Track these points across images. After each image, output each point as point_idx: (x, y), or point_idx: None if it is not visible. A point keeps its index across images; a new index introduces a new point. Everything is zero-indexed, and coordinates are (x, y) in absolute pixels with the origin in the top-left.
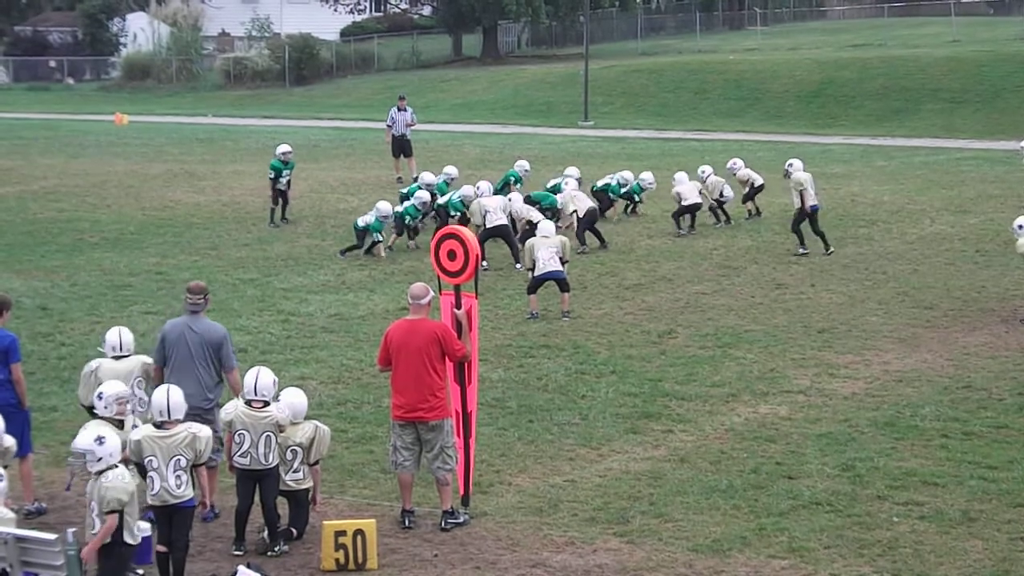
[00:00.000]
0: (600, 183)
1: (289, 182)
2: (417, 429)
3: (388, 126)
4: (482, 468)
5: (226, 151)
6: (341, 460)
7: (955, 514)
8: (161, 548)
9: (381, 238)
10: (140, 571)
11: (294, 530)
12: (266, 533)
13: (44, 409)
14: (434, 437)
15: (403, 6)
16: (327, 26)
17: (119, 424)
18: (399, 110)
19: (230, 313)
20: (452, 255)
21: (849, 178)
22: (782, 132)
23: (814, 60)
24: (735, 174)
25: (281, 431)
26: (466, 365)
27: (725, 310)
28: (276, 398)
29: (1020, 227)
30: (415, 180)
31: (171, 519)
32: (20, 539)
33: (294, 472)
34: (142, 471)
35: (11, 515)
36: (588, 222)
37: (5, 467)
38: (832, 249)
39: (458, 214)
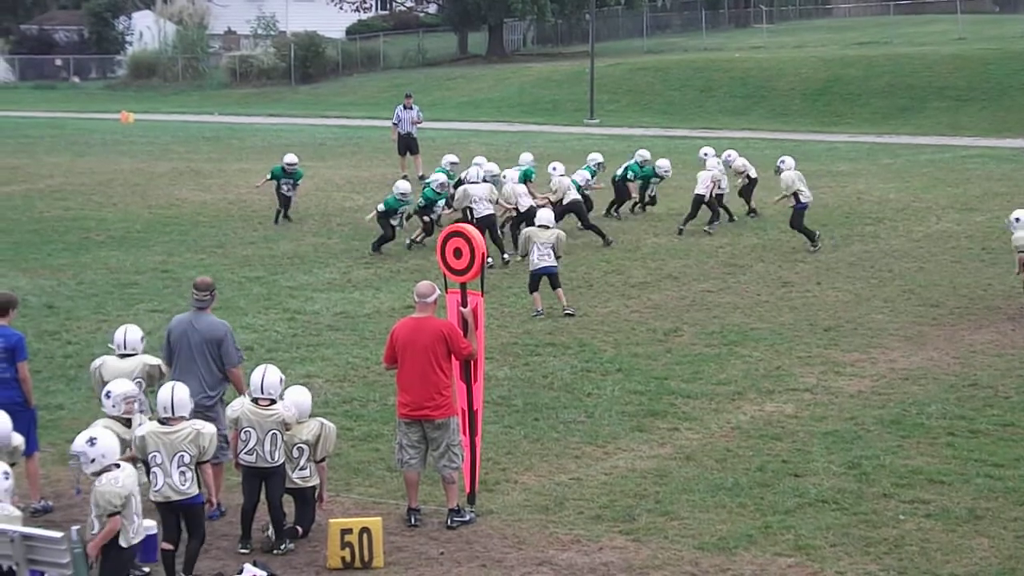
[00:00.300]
0: (619, 171)
1: (294, 187)
2: (423, 427)
3: (394, 124)
4: (488, 466)
5: (232, 149)
6: (347, 458)
7: (961, 512)
8: (167, 546)
9: (396, 223)
10: (146, 569)
11: (300, 528)
12: (272, 531)
13: (50, 407)
14: (440, 435)
15: (409, 4)
16: (333, 24)
17: (127, 423)
18: (405, 108)
19: (236, 311)
20: (458, 253)
21: (855, 176)
22: (788, 130)
23: (820, 58)
24: (731, 165)
25: (287, 429)
26: (472, 363)
27: (731, 308)
28: (281, 396)
29: (1018, 220)
30: (421, 178)
31: (180, 518)
32: (26, 537)
33: (300, 470)
34: (147, 468)
35: (17, 513)
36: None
37: (12, 465)
38: (819, 238)
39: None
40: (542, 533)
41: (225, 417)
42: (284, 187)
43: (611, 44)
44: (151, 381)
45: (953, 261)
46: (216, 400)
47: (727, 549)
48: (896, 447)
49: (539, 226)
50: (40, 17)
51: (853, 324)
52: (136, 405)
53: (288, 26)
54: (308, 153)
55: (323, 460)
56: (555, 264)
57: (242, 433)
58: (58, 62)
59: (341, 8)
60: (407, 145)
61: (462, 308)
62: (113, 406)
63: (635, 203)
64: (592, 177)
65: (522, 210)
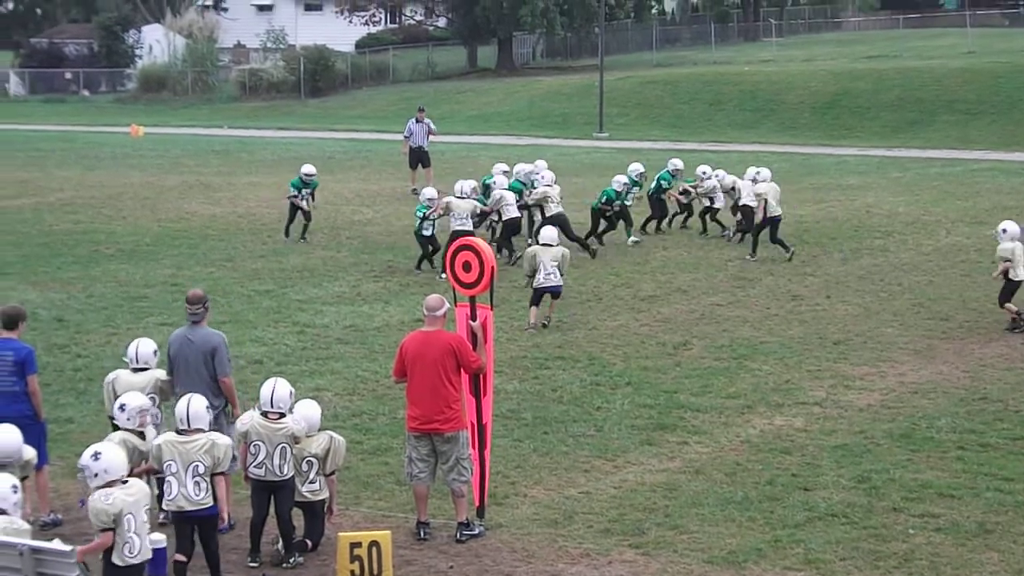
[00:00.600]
0: (652, 184)
1: (311, 198)
2: (432, 441)
3: (405, 137)
4: (497, 480)
5: (241, 163)
6: (356, 472)
7: (971, 526)
8: (180, 558)
9: (429, 232)
10: None
11: (309, 541)
12: (281, 544)
13: (60, 421)
14: (449, 449)
15: (418, 18)
16: (342, 38)
17: (141, 435)
18: (417, 121)
19: (246, 324)
20: (467, 267)
21: (864, 189)
22: (797, 143)
23: (829, 71)
24: (721, 181)
25: (296, 442)
26: (481, 377)
27: (740, 322)
28: (291, 410)
29: (1004, 231)
30: (414, 191)
31: (193, 530)
32: (36, 550)
33: (310, 483)
34: (159, 479)
35: (27, 526)
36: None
37: (24, 478)
38: (793, 249)
39: (517, 195)
40: (551, 547)
41: (229, 429)
42: (304, 196)
43: (620, 57)
44: (164, 396)
45: (963, 275)
46: (219, 412)
47: (737, 563)
48: (906, 461)
49: (543, 244)
50: (50, 31)
51: (863, 338)
52: (149, 418)
53: (297, 40)
54: (317, 166)
55: (332, 473)
56: (560, 283)
57: (251, 447)
58: (68, 75)
59: (351, 22)
60: (419, 158)
61: (471, 322)
62: (128, 419)
63: (674, 215)
64: (633, 187)
65: (504, 217)
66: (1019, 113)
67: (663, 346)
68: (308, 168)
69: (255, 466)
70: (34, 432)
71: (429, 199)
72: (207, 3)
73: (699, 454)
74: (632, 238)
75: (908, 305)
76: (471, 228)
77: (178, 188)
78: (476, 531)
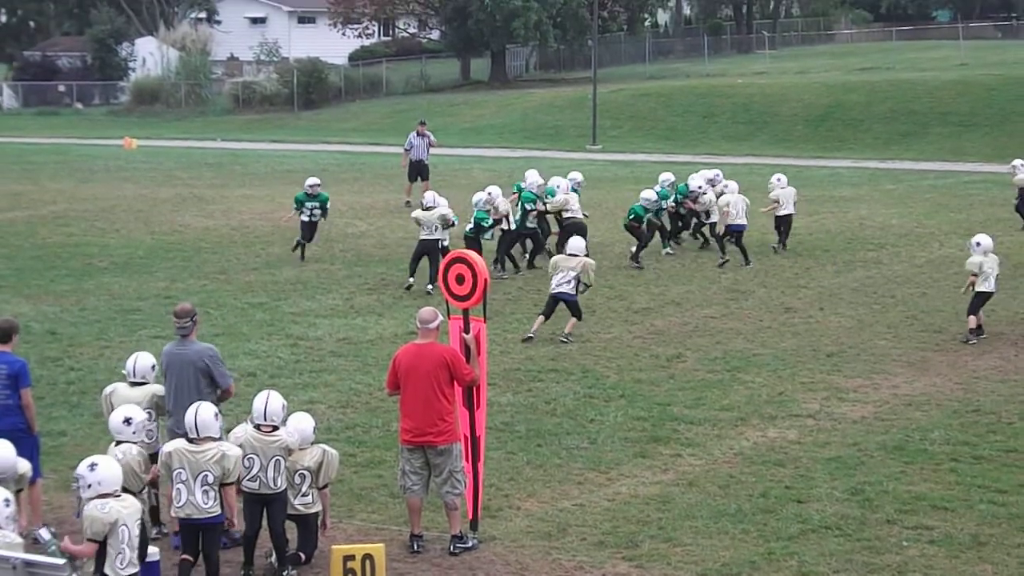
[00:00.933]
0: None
1: (323, 213)
2: (426, 453)
3: (406, 150)
4: (491, 492)
5: (235, 175)
6: (350, 484)
7: (965, 538)
8: (187, 559)
9: (490, 236)
10: None
11: (303, 554)
12: (274, 558)
13: (53, 434)
14: (443, 461)
15: (411, 30)
16: (336, 50)
17: (142, 448)
18: (418, 135)
19: (239, 337)
20: (460, 279)
21: (857, 201)
22: (791, 156)
23: (822, 84)
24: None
25: (289, 455)
26: (475, 389)
27: (734, 334)
28: (284, 422)
29: (978, 244)
30: (407, 203)
31: (199, 536)
32: (28, 564)
33: (303, 496)
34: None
35: (19, 540)
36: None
37: (19, 491)
38: (752, 263)
39: (531, 205)
40: (545, 559)
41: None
42: (310, 213)
43: (613, 70)
44: (160, 412)
45: (956, 287)
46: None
47: (730, 575)
48: (899, 473)
49: (569, 254)
50: (43, 44)
51: (856, 350)
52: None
53: (291, 52)
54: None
55: (326, 487)
56: (573, 293)
57: (245, 459)
58: (61, 88)
59: (344, 34)
60: (418, 171)
61: (464, 334)
62: (134, 432)
63: (682, 229)
64: (663, 200)
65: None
66: (1012, 125)
67: (656, 358)
68: (312, 180)
69: (249, 479)
70: (27, 445)
71: (485, 201)
72: (200, 16)
73: (693, 466)
74: (666, 249)
75: (901, 317)
76: (438, 237)
77: (171, 201)
78: (469, 544)
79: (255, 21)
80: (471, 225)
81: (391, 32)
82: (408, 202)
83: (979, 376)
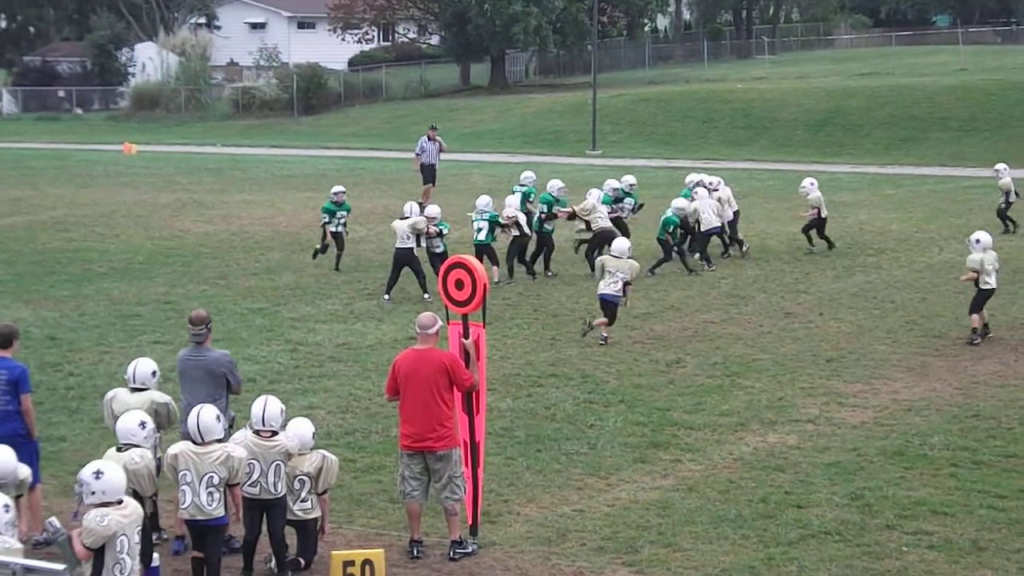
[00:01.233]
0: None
1: (345, 223)
2: (425, 459)
3: (416, 155)
4: (490, 498)
5: (234, 181)
6: (349, 490)
7: (965, 543)
8: (198, 554)
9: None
10: None
11: (302, 560)
12: (274, 563)
13: (52, 439)
14: (442, 467)
15: (411, 35)
16: (335, 55)
17: (147, 452)
18: (429, 140)
19: (238, 342)
20: (460, 284)
21: (857, 207)
22: (790, 161)
23: (822, 89)
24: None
25: (289, 459)
26: (474, 395)
27: (733, 339)
28: (283, 427)
29: (978, 241)
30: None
31: (203, 538)
32: (28, 570)
33: (302, 502)
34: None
35: (19, 545)
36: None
37: (19, 497)
38: (714, 267)
39: (545, 206)
40: (544, 565)
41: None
42: (340, 223)
43: (613, 75)
44: (157, 419)
45: (956, 292)
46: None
47: None
48: (899, 478)
49: (613, 256)
50: (43, 49)
51: (856, 355)
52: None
53: (290, 57)
54: (310, 184)
55: (325, 492)
56: (615, 293)
57: (245, 465)
58: (61, 94)
59: (343, 39)
60: (431, 175)
61: (464, 339)
62: (145, 438)
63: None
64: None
65: (594, 227)
66: (1011, 130)
67: (656, 364)
68: (337, 188)
69: (249, 484)
70: (27, 451)
71: (431, 217)
72: (200, 21)
73: (692, 472)
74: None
75: (901, 322)
76: (412, 246)
77: (171, 206)
78: (469, 549)
79: (255, 26)
80: (480, 232)
81: (391, 37)
82: (422, 204)
83: (979, 381)
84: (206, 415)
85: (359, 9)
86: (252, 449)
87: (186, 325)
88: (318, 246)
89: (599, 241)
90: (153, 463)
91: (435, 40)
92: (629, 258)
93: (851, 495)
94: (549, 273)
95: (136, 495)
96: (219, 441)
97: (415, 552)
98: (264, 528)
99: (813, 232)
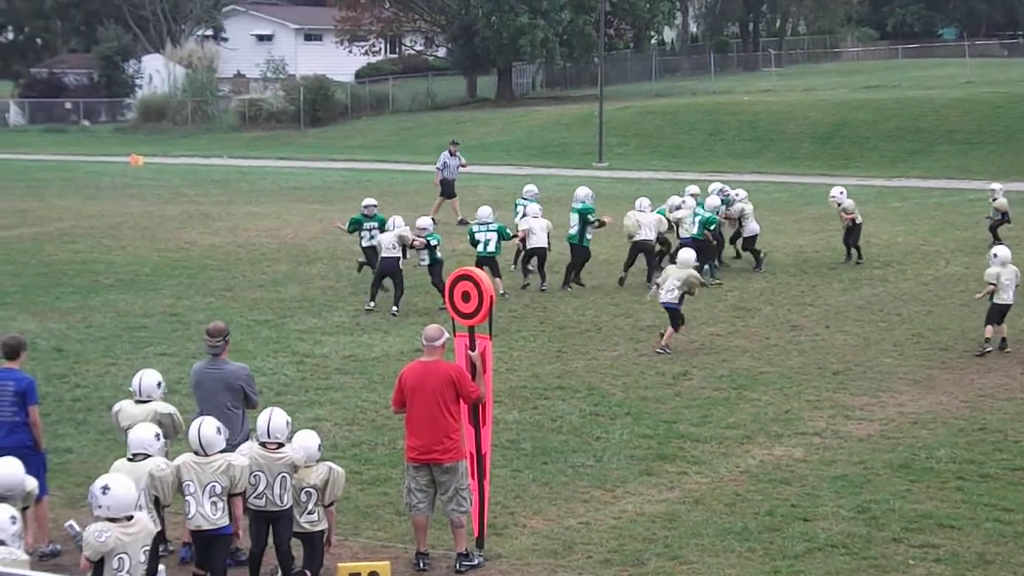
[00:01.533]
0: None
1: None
2: (432, 471)
3: (439, 169)
4: (496, 510)
5: (241, 193)
6: (355, 502)
7: (971, 557)
8: (199, 572)
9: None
10: None
11: (308, 572)
12: (280, 575)
13: (59, 451)
14: (449, 479)
15: (418, 48)
16: (342, 67)
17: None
18: (451, 155)
19: (245, 354)
20: (466, 297)
21: (863, 219)
22: (797, 173)
23: (828, 101)
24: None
25: (295, 471)
26: (480, 407)
27: (740, 352)
28: (289, 439)
29: (995, 255)
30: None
31: (208, 548)
32: None
33: (308, 514)
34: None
35: (25, 557)
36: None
37: (26, 508)
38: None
39: (593, 218)
40: None
41: None
42: (371, 235)
43: (620, 87)
44: (163, 429)
45: (962, 305)
46: (238, 444)
47: None
48: (905, 491)
49: (677, 266)
50: (50, 61)
51: (862, 368)
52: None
53: (297, 69)
54: (317, 197)
55: (331, 504)
56: (676, 302)
57: (252, 476)
58: (68, 105)
59: (350, 51)
60: (449, 190)
61: (470, 352)
62: (159, 449)
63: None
64: (724, 206)
65: (531, 246)
66: (1017, 143)
67: (662, 376)
68: (369, 200)
69: (255, 496)
70: (34, 462)
71: (422, 228)
72: (207, 33)
73: (698, 484)
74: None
75: (907, 335)
76: (398, 255)
77: (178, 218)
78: (475, 562)
79: (262, 38)
80: (488, 244)
81: (397, 49)
82: (462, 220)
83: (985, 394)
84: (206, 428)
85: (366, 21)
86: (258, 461)
87: (200, 336)
88: (361, 259)
89: (638, 252)
90: (176, 471)
91: (442, 52)
92: (692, 267)
93: (857, 508)
94: (573, 286)
95: (156, 502)
96: (221, 452)
97: (421, 565)
98: (270, 540)
99: (850, 240)
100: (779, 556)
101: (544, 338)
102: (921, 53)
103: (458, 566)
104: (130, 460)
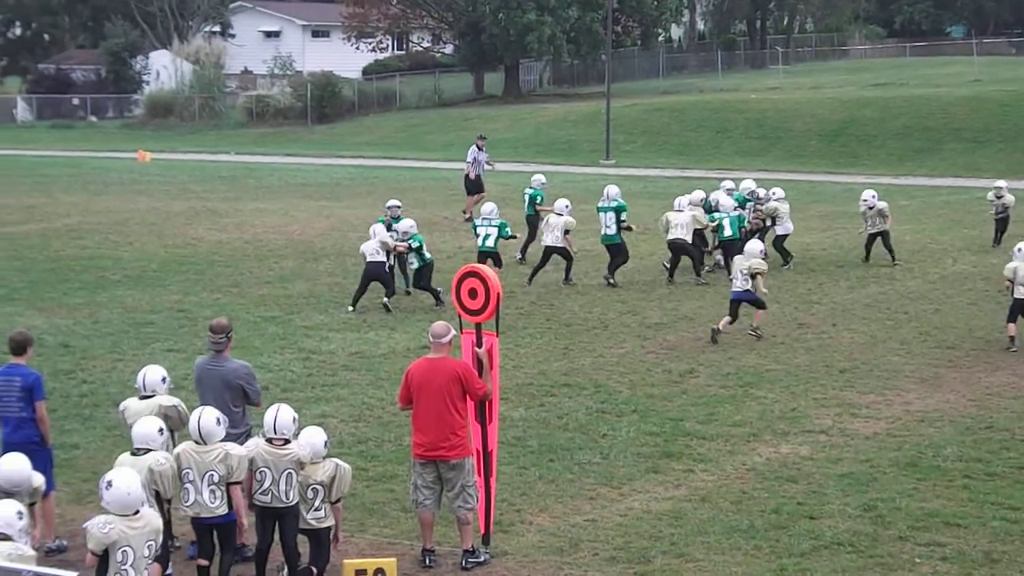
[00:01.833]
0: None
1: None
2: (438, 468)
3: (469, 163)
4: (503, 507)
5: (248, 189)
6: (362, 498)
7: (977, 555)
8: (202, 562)
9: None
10: None
11: (315, 569)
12: (286, 572)
13: (66, 447)
14: (455, 476)
15: (425, 44)
16: (349, 64)
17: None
18: (479, 149)
19: (252, 350)
20: (473, 293)
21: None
22: (804, 171)
23: (836, 99)
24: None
25: (301, 468)
26: (487, 404)
27: (746, 349)
28: (295, 436)
29: (1020, 250)
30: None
31: (213, 535)
32: None
33: (315, 511)
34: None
35: (32, 552)
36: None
37: (32, 504)
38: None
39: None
40: (557, 574)
41: None
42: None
43: (627, 85)
44: (169, 422)
45: (969, 303)
46: (240, 437)
47: None
48: (912, 489)
49: (742, 257)
50: (58, 56)
51: (869, 366)
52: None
53: (304, 66)
54: (324, 193)
55: (338, 501)
56: (747, 290)
57: (257, 473)
58: (75, 101)
59: (358, 48)
60: (476, 185)
61: (477, 348)
62: (162, 444)
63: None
64: (744, 206)
65: (546, 243)
66: None
67: (669, 374)
68: (393, 201)
69: (261, 492)
70: (41, 458)
71: (403, 232)
72: (214, 29)
73: (705, 482)
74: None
75: (914, 333)
76: (383, 259)
77: (185, 214)
78: (481, 558)
79: (269, 35)
80: (488, 238)
81: (405, 46)
82: (469, 216)
83: (992, 393)
84: (206, 418)
85: (373, 18)
86: (264, 457)
87: (206, 332)
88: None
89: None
90: (175, 465)
91: (449, 49)
92: (757, 257)
93: (864, 506)
94: (611, 280)
95: (157, 497)
96: (221, 442)
97: (427, 561)
98: (276, 537)
99: (878, 240)
100: (785, 554)
101: (551, 335)
102: (929, 51)
103: (464, 563)
104: (133, 455)
